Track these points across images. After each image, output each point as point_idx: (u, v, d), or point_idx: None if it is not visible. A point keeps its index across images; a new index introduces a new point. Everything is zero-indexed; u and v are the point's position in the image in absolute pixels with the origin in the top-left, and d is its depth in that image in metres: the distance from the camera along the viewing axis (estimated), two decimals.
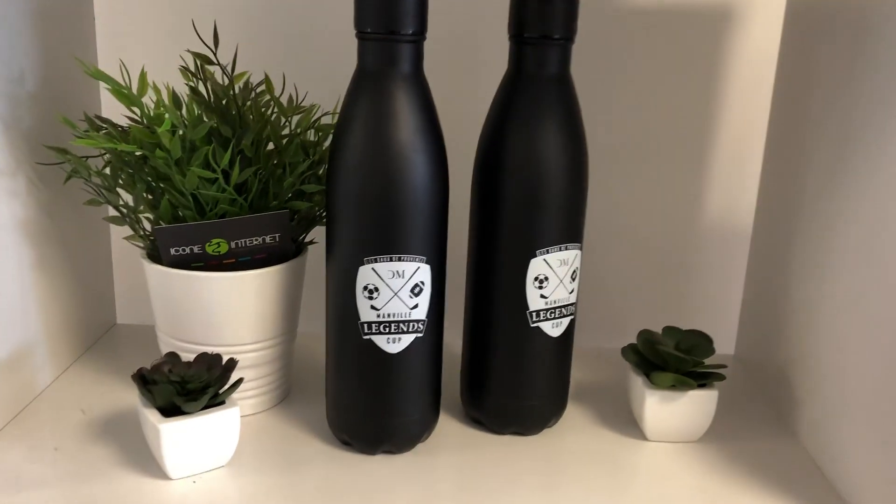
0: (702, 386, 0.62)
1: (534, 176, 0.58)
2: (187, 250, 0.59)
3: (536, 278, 0.59)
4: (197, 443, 0.55)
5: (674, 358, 0.62)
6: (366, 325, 0.56)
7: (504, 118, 0.59)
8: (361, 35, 0.54)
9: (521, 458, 0.60)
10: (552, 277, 0.60)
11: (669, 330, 0.65)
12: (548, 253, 0.59)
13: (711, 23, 0.76)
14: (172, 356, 0.58)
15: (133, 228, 0.62)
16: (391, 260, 0.55)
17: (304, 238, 0.65)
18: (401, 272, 0.55)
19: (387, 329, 0.56)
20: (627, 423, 0.66)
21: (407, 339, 0.57)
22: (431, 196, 0.55)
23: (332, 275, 0.57)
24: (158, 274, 0.60)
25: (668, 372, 0.62)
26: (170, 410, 0.55)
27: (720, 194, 0.80)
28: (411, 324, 0.57)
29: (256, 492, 0.55)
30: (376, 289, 0.55)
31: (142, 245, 0.63)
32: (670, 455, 0.62)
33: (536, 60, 0.57)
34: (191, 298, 0.60)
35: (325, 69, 0.71)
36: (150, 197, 0.60)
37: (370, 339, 0.56)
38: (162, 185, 0.59)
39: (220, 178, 0.58)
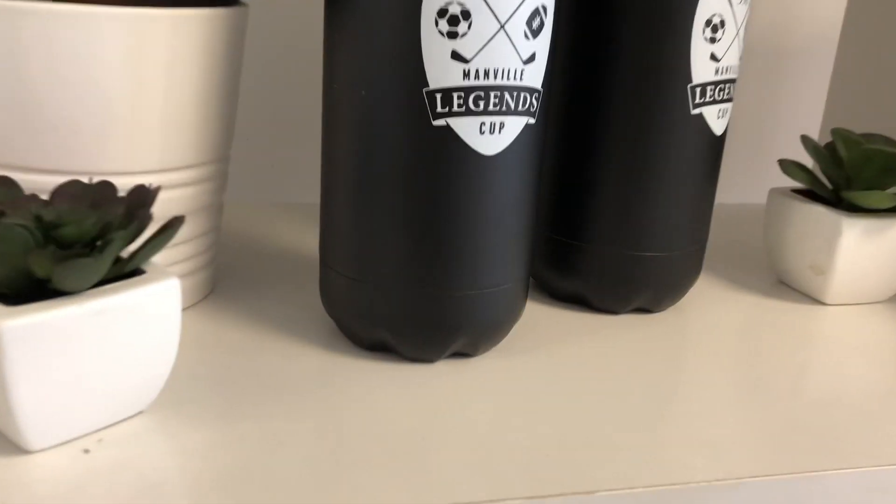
0: None
1: None
2: None
3: (710, 23, 0.33)
4: (85, 365, 0.24)
5: (893, 165, 0.38)
6: (441, 97, 0.27)
7: None
8: None
9: (676, 348, 0.35)
10: (730, 23, 0.34)
11: (840, 131, 0.41)
12: None
13: None
14: (7, 184, 0.26)
15: None
16: None
17: None
18: None
19: (482, 105, 0.28)
20: (777, 285, 0.42)
21: (513, 128, 0.29)
22: None
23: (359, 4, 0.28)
24: None
25: (879, 189, 0.38)
26: (19, 296, 0.24)
27: None
28: (523, 95, 0.29)
29: (223, 463, 0.25)
30: (465, 14, 0.27)
31: None
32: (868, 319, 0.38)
33: None
34: (36, 67, 0.28)
35: None
36: None
37: (447, 126, 0.28)
38: None
39: None
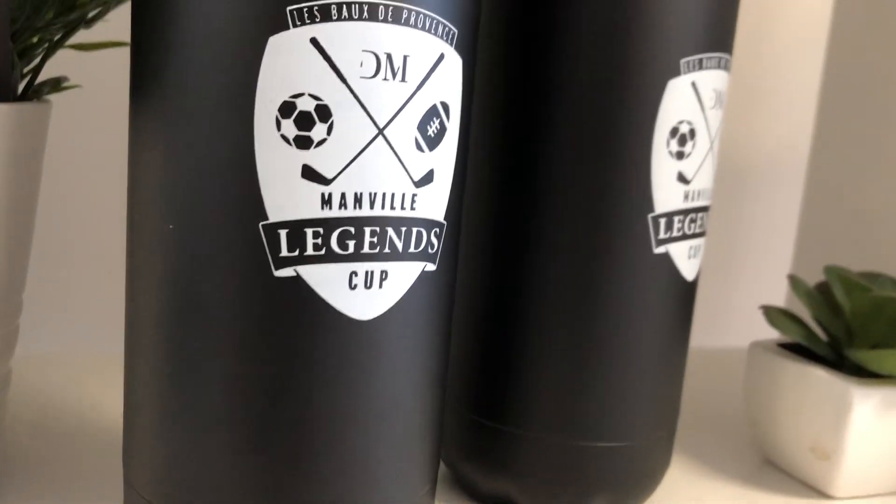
0: None
1: None
2: None
3: (676, 132, 0.25)
4: None
5: None
6: (288, 234, 0.18)
7: None
8: None
9: None
10: (701, 132, 0.25)
11: (835, 270, 0.33)
12: (700, 68, 0.25)
13: None
14: None
15: None
16: (369, 17, 0.18)
17: (45, 59, 0.25)
18: (396, 63, 0.18)
19: (352, 246, 0.18)
20: (765, 466, 0.32)
21: (401, 279, 0.19)
22: None
23: (170, 81, 0.18)
24: None
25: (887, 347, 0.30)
26: None
27: None
28: (416, 231, 0.19)
29: None
30: (323, 110, 0.18)
31: None
32: None
33: None
34: None
35: None
36: None
37: (298, 278, 0.18)
38: None
39: None
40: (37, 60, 0.24)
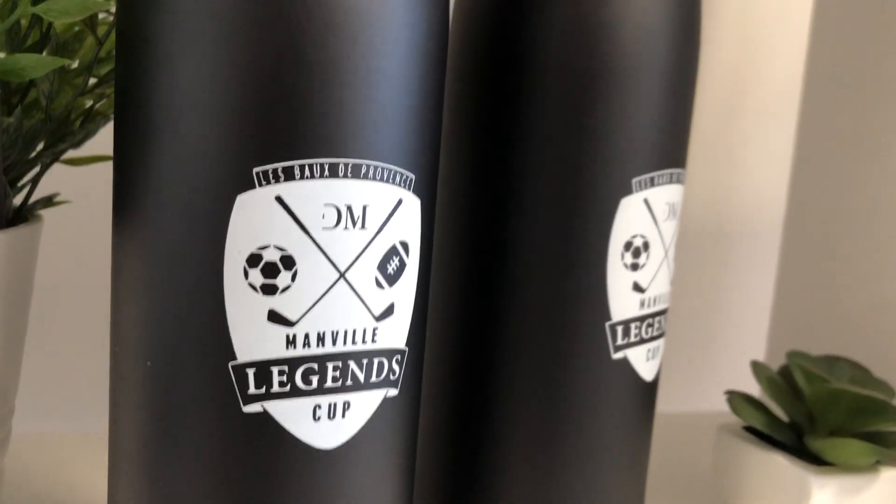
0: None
1: (618, 13, 0.25)
2: None
3: (630, 246, 0.26)
4: None
5: (863, 405, 0.31)
6: (255, 373, 0.19)
7: None
8: None
9: None
10: (655, 244, 0.27)
11: (798, 356, 0.34)
12: (652, 185, 0.26)
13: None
14: None
15: None
16: (331, 174, 0.19)
17: (36, 182, 0.26)
18: (356, 212, 0.20)
19: (315, 381, 0.20)
20: None
21: (363, 407, 0.21)
22: (425, 28, 0.20)
23: (147, 234, 0.20)
24: None
25: (849, 437, 0.31)
26: None
27: None
28: (377, 361, 0.21)
29: None
30: (287, 260, 0.19)
31: None
32: None
33: None
34: None
35: None
36: None
37: (265, 413, 0.19)
38: None
39: None
40: (28, 185, 0.26)
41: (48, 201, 0.27)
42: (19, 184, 0.26)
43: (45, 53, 0.24)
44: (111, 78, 0.25)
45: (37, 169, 0.26)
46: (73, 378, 0.43)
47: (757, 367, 0.34)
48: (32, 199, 0.27)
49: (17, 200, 0.27)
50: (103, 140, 0.29)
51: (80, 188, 0.31)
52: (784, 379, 0.33)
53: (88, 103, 0.26)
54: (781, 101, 0.54)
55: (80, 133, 0.25)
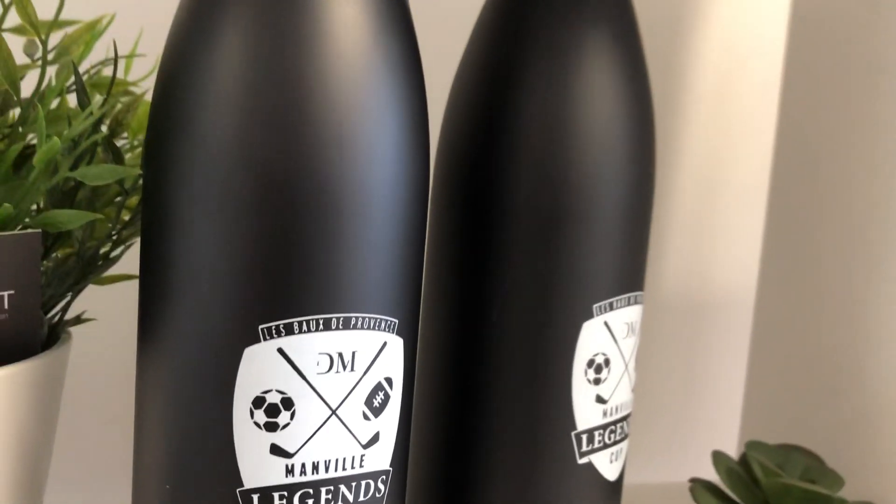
0: None
1: (581, 159, 0.29)
2: None
3: (592, 363, 0.29)
4: None
5: (812, 498, 0.34)
6: (259, 498, 0.23)
7: (506, 64, 0.29)
8: None
9: None
10: (616, 360, 0.30)
11: (756, 447, 0.37)
12: (611, 310, 0.29)
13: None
14: None
15: None
16: (325, 328, 0.22)
17: (67, 308, 0.30)
18: (346, 358, 0.23)
19: (308, 503, 0.23)
20: None
21: None
22: (407, 181, 0.24)
23: (161, 378, 0.23)
24: None
25: None
26: None
27: None
28: (364, 483, 0.24)
29: None
30: (287, 402, 0.22)
31: None
32: None
33: None
34: None
35: None
36: None
37: None
38: None
39: None
40: (59, 312, 0.29)
41: (77, 320, 0.31)
42: (51, 313, 0.29)
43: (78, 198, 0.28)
44: (137, 224, 0.29)
45: (68, 297, 0.29)
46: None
47: (717, 458, 0.37)
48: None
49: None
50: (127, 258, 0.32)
51: (106, 304, 0.34)
52: (743, 468, 0.37)
53: (116, 251, 0.29)
54: (752, 179, 0.57)
55: (107, 266, 0.29)
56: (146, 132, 0.24)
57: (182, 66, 0.23)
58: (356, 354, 0.23)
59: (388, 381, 0.24)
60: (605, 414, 0.30)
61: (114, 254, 0.30)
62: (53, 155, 0.24)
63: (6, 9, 0.28)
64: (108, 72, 0.30)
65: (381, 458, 0.24)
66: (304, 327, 0.22)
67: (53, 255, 0.28)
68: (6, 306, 0.26)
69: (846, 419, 0.42)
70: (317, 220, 0.22)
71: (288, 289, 0.22)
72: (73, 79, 0.27)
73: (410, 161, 0.24)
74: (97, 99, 0.28)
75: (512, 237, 0.29)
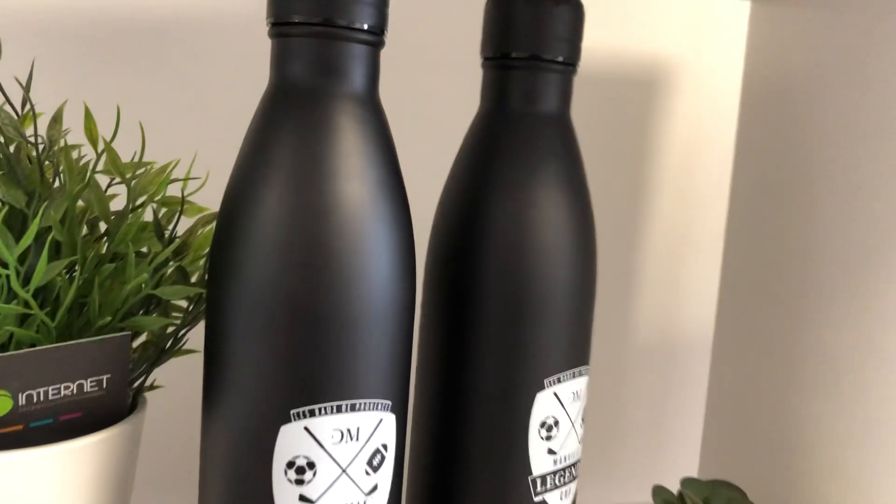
0: None
1: (536, 264, 0.37)
2: None
3: (544, 424, 0.38)
4: None
5: None
6: None
7: (480, 179, 0.38)
8: (281, 28, 0.32)
9: None
10: (563, 420, 0.39)
11: (688, 484, 0.46)
12: (559, 382, 0.38)
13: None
14: None
15: None
16: (337, 411, 0.31)
17: (144, 380, 0.39)
18: (353, 432, 0.32)
19: None
20: None
21: None
22: (397, 298, 0.33)
23: (219, 445, 0.32)
24: None
25: None
26: None
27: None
28: None
29: None
30: (311, 464, 0.31)
31: None
32: None
33: (526, 92, 0.38)
34: None
35: (190, 92, 0.46)
36: None
37: None
38: None
39: (12, 277, 0.32)
40: (139, 384, 0.38)
41: (151, 387, 0.40)
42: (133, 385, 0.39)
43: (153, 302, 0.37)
44: (197, 317, 0.38)
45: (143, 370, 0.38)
46: None
47: (656, 491, 0.45)
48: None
49: None
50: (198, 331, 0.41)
51: (171, 374, 0.43)
52: (679, 500, 0.45)
53: (182, 338, 0.39)
54: (709, 247, 0.66)
55: (175, 351, 0.38)
56: (209, 259, 0.33)
57: (235, 220, 0.32)
58: (360, 429, 0.32)
59: (384, 446, 0.33)
60: (555, 462, 0.39)
61: (180, 344, 0.39)
62: (142, 281, 0.34)
63: (98, 156, 0.38)
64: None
65: (380, 501, 0.33)
66: (323, 411, 0.31)
67: (139, 347, 0.37)
68: (105, 386, 0.35)
69: (782, 456, 0.50)
70: (331, 332, 0.31)
71: (311, 383, 0.31)
72: (150, 212, 0.36)
73: (401, 288, 0.33)
74: (169, 233, 0.38)
75: (482, 328, 0.38)
